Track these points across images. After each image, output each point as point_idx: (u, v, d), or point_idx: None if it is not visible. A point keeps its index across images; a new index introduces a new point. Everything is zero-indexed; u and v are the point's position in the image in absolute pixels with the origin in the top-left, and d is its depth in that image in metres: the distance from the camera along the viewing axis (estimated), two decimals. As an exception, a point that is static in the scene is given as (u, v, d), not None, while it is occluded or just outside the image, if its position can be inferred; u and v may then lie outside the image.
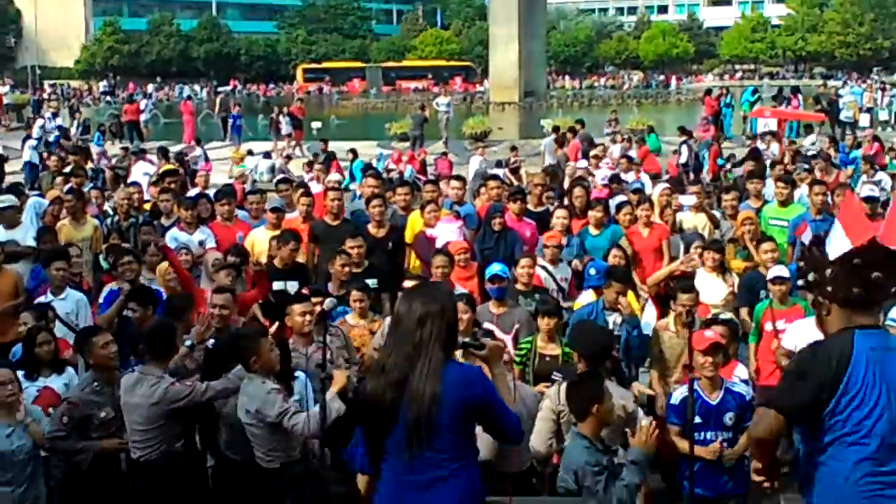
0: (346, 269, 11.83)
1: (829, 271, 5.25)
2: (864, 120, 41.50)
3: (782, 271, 11.07)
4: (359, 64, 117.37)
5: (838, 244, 5.49)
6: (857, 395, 5.10)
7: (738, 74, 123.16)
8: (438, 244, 12.98)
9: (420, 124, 40.55)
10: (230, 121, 41.94)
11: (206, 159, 30.06)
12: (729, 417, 8.43)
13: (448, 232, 13.42)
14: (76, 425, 8.50)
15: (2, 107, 52.77)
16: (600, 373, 7.91)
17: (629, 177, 20.27)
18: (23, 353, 9.40)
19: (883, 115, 43.31)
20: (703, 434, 8.38)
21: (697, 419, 8.23)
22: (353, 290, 10.89)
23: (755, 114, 36.45)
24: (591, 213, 14.20)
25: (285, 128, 40.47)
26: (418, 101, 54.96)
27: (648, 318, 11.53)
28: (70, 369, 9.55)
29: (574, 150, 27.50)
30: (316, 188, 17.94)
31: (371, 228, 13.71)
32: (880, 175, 21.94)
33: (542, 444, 8.08)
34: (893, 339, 5.26)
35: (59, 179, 19.53)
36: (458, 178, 16.99)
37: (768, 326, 10.88)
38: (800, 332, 9.70)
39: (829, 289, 5.23)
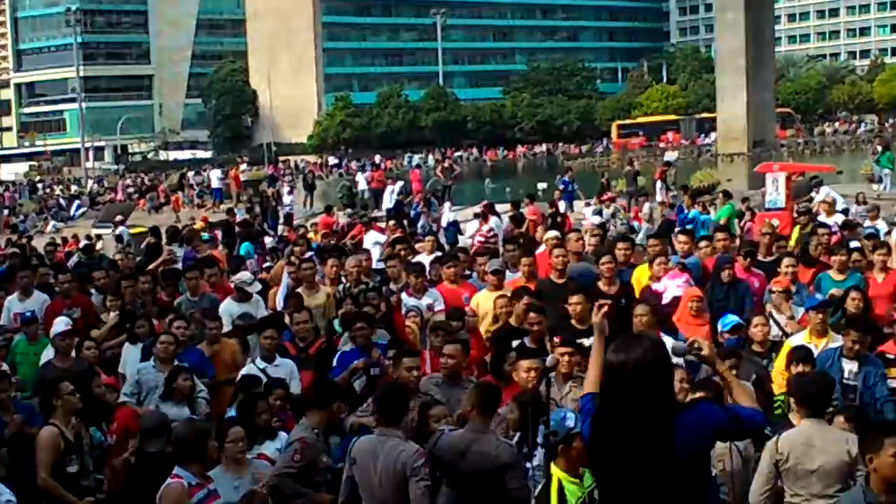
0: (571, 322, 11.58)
1: None
2: None
3: None
4: (673, 117, 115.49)
5: None
6: None
7: None
8: (665, 299, 12.82)
9: (633, 179, 40.31)
10: (561, 185, 38.03)
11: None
12: None
13: (674, 286, 13.27)
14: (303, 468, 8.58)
15: (240, 184, 54.41)
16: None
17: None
18: (240, 422, 9.32)
19: None
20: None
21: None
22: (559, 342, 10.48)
23: (762, 168, 29.96)
24: (834, 257, 13.80)
25: (660, 194, 37.33)
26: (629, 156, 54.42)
27: None
28: (283, 434, 9.57)
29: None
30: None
31: (602, 286, 13.24)
32: None
33: (756, 497, 7.98)
34: None
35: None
36: (685, 231, 16.67)
37: None
38: None
39: None
